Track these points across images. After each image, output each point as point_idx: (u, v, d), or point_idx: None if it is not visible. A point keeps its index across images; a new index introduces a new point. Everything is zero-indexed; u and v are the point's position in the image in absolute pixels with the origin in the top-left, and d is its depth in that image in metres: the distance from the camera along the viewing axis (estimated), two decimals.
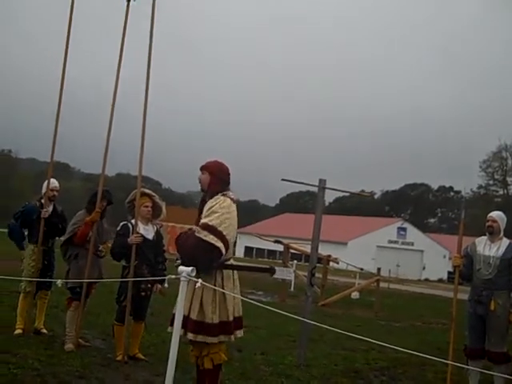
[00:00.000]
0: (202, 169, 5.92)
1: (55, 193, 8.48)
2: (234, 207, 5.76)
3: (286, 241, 27.56)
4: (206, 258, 5.44)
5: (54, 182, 8.50)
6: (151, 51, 7.89)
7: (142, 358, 7.54)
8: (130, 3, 8.10)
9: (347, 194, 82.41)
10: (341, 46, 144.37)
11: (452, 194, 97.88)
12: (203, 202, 5.79)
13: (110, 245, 8.11)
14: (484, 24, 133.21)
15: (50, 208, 8.41)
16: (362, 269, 25.42)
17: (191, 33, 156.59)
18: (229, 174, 5.98)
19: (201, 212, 5.71)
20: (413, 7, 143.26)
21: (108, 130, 8.02)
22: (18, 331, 8.11)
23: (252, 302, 5.78)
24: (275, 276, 21.17)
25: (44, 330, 8.41)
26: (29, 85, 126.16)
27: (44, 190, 8.38)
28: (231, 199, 5.76)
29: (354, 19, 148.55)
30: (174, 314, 5.52)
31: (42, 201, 8.35)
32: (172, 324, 5.25)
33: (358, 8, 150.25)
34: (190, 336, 5.45)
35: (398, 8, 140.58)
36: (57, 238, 8.62)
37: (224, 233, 5.50)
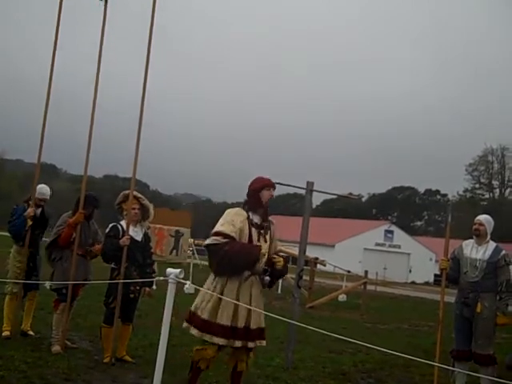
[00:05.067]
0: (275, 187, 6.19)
1: (43, 202, 8.45)
2: None
3: None
4: None
5: (43, 193, 8.44)
6: (150, 52, 7.89)
7: (130, 360, 7.52)
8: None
9: (335, 197, 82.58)
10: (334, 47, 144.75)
11: (438, 197, 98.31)
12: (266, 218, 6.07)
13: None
14: (473, 27, 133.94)
15: (39, 210, 8.38)
16: (348, 271, 25.50)
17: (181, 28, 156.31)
18: None
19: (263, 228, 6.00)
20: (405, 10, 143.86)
21: (89, 132, 7.99)
22: (5, 333, 8.05)
23: (239, 303, 5.79)
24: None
25: (31, 332, 8.37)
26: (15, 84, 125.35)
27: (37, 194, 8.31)
28: None
29: (354, 20, 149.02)
30: (190, 311, 5.96)
31: (30, 202, 8.30)
32: (188, 321, 5.88)
33: (357, 9, 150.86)
34: (252, 345, 5.81)
35: (393, 10, 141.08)
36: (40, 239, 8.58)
37: None
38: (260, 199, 5.97)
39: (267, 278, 5.92)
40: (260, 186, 6.00)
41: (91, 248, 8.07)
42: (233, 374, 6.09)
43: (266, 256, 5.89)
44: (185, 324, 5.94)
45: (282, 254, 6.18)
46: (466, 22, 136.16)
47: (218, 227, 5.83)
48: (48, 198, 8.56)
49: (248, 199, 6.06)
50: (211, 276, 5.92)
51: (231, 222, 5.81)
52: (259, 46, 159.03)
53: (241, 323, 5.69)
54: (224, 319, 5.65)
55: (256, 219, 5.95)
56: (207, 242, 5.82)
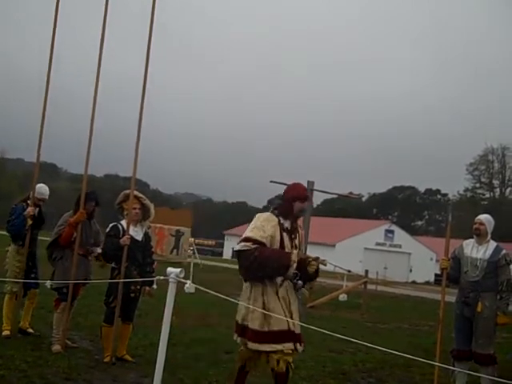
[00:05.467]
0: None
1: (41, 203, 8.46)
2: None
3: None
4: None
5: (42, 193, 8.45)
6: (149, 53, 7.88)
7: (130, 359, 7.53)
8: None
9: (335, 197, 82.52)
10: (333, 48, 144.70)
11: (439, 196, 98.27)
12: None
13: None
14: (473, 27, 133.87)
15: (37, 210, 8.38)
16: (349, 271, 25.50)
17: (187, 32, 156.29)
18: None
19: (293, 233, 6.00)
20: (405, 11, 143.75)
21: (90, 131, 7.99)
22: (5, 333, 8.06)
23: (240, 303, 5.79)
24: None
25: (30, 330, 8.38)
26: (16, 83, 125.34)
27: (36, 194, 8.32)
28: None
29: (354, 20, 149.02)
30: (236, 322, 5.85)
31: (29, 202, 8.30)
32: (237, 332, 5.81)
33: (357, 9, 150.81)
34: (300, 348, 5.78)
35: (392, 11, 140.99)
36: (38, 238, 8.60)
37: None
38: (292, 209, 5.91)
39: (300, 282, 5.88)
40: (294, 196, 5.93)
41: (94, 252, 8.08)
42: (278, 376, 5.76)
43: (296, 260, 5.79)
44: (238, 339, 5.84)
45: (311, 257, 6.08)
46: (466, 22, 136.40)
47: (247, 233, 5.75)
48: (47, 197, 8.57)
49: (281, 204, 6.02)
50: (246, 285, 5.85)
51: (261, 227, 5.74)
52: (259, 45, 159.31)
53: (290, 327, 5.67)
54: (275, 326, 5.60)
55: (287, 224, 5.90)
56: (237, 247, 5.73)
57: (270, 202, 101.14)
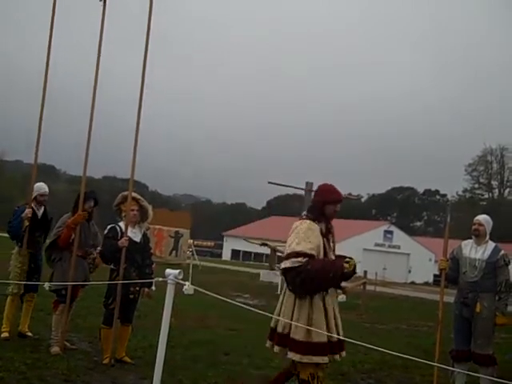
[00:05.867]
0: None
1: (45, 197, 8.47)
2: None
3: (272, 244, 27.65)
4: None
5: (43, 187, 8.47)
6: (147, 55, 7.89)
7: (129, 361, 7.52)
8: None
9: None
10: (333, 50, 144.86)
11: (438, 197, 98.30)
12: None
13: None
14: (473, 30, 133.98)
15: (41, 211, 8.41)
16: None
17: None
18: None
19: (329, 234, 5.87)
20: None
21: (88, 132, 8.00)
22: (4, 334, 8.05)
23: (239, 304, 5.79)
24: (262, 279, 21.32)
25: (29, 333, 8.36)
26: (15, 84, 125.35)
27: (34, 193, 8.34)
28: None
29: (354, 23, 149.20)
30: (273, 329, 5.75)
31: (33, 204, 8.31)
32: (273, 340, 5.67)
33: (357, 12, 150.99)
34: (344, 354, 5.71)
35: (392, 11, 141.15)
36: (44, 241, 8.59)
37: None
38: (323, 212, 5.75)
39: (343, 285, 5.79)
40: (325, 200, 5.78)
41: (92, 253, 8.08)
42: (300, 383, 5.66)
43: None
44: (276, 347, 5.67)
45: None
46: (466, 25, 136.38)
47: (293, 247, 5.51)
48: (47, 192, 8.55)
49: (312, 208, 5.85)
50: (289, 294, 5.66)
51: (306, 238, 5.52)
52: (259, 49, 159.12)
53: (331, 338, 5.54)
54: (321, 336, 5.45)
55: (323, 227, 5.74)
56: (287, 265, 5.49)
57: (268, 203, 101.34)
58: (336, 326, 5.66)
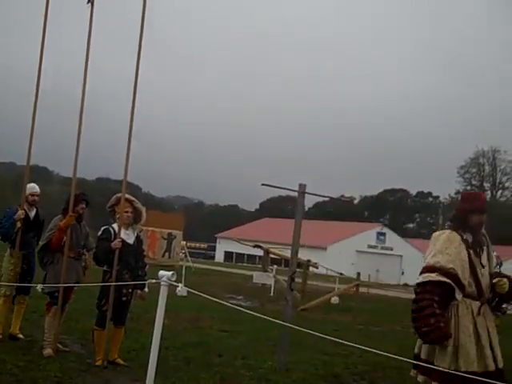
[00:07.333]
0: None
1: (35, 197, 8.44)
2: None
3: (265, 246, 27.64)
4: None
5: (33, 187, 8.45)
6: (140, 56, 7.87)
7: (122, 363, 7.50)
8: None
9: (327, 199, 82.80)
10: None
11: (430, 199, 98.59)
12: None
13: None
14: (468, 29, 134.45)
15: (33, 213, 8.39)
16: (341, 274, 25.53)
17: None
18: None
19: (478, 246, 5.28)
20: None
21: (78, 134, 7.97)
22: None
23: (232, 306, 5.79)
24: (255, 281, 21.34)
25: (20, 335, 8.33)
26: (7, 85, 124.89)
27: (26, 193, 8.31)
28: None
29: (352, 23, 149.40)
30: (417, 356, 5.22)
31: (25, 206, 8.28)
32: (418, 369, 5.09)
33: (357, 12, 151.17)
34: None
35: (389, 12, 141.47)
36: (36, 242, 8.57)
37: None
38: (467, 223, 5.20)
39: (504, 306, 5.24)
40: (469, 209, 5.23)
41: (85, 254, 8.07)
42: None
43: (489, 279, 5.15)
44: (420, 377, 5.17)
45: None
46: (466, 25, 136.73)
47: (428, 260, 5.10)
48: (38, 193, 8.51)
49: (454, 217, 5.36)
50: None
51: (443, 250, 5.05)
52: (258, 47, 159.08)
53: (491, 366, 4.90)
54: (464, 366, 4.84)
55: (469, 238, 5.18)
56: (419, 279, 5.12)
57: (261, 204, 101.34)
58: (493, 353, 5.01)
